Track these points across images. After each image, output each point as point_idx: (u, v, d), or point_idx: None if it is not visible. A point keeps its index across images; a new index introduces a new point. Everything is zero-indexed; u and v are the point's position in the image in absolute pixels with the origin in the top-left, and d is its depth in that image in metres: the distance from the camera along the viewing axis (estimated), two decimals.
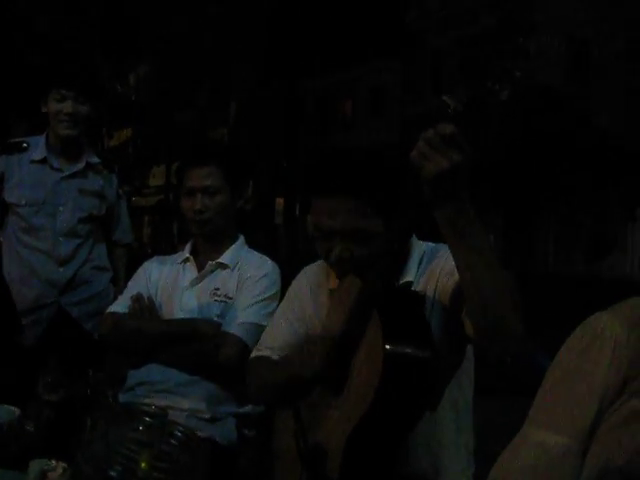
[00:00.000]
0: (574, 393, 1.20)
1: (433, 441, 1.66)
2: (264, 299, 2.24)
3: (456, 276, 1.56)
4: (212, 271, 2.35)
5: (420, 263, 1.68)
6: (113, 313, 2.34)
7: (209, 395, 2.19)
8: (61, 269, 3.06)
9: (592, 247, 19.40)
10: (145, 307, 2.30)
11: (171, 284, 2.36)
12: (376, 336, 1.42)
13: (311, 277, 1.89)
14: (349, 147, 2.42)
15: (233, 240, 2.40)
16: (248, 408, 2.22)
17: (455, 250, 1.36)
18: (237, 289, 2.29)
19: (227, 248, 2.37)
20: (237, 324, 2.19)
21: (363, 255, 1.61)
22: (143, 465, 1.19)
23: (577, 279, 14.60)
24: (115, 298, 2.62)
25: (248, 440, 2.22)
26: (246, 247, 2.42)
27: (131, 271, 2.55)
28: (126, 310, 2.31)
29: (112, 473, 1.19)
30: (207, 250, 2.37)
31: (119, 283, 3.22)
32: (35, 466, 1.45)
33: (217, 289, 2.31)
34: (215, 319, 2.25)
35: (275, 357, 1.82)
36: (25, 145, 3.10)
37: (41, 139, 3.11)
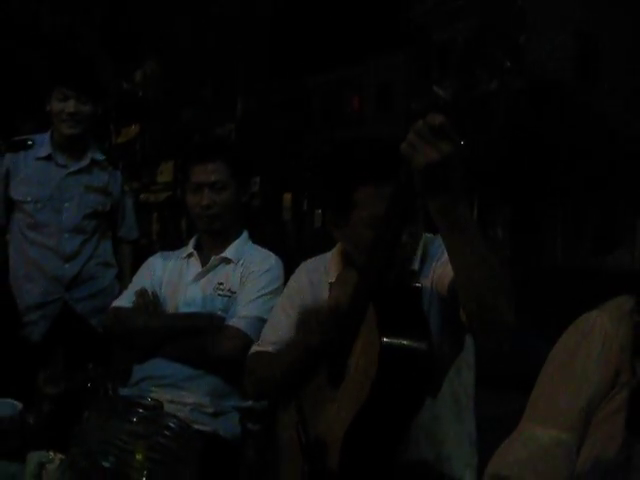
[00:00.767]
0: (567, 388, 1.23)
1: (434, 431, 1.67)
2: (267, 293, 2.25)
3: (450, 267, 1.59)
4: (216, 266, 2.35)
5: (423, 254, 1.69)
6: (117, 308, 2.35)
7: (213, 389, 2.20)
8: (66, 265, 3.07)
9: (599, 241, 19.34)
10: (149, 302, 2.31)
11: (175, 279, 2.37)
12: (372, 329, 1.42)
13: (311, 272, 1.90)
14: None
15: (237, 235, 2.41)
16: (252, 402, 2.22)
17: (447, 240, 1.36)
18: (240, 283, 2.30)
19: (231, 243, 2.38)
20: (240, 318, 2.20)
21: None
22: (138, 457, 1.20)
23: (585, 272, 14.57)
24: (120, 294, 2.63)
25: (252, 434, 2.23)
26: (250, 242, 2.43)
27: (138, 268, 2.56)
28: (130, 305, 2.32)
29: (106, 464, 1.20)
30: (211, 245, 2.39)
31: (124, 279, 3.23)
32: (33, 458, 1.46)
33: (221, 284, 2.32)
34: (219, 313, 2.26)
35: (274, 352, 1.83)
36: (30, 142, 3.12)
37: (46, 136, 3.12)
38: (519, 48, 1.18)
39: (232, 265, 2.34)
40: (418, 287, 1.54)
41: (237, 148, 2.51)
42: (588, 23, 18.98)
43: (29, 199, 3.04)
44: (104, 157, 3.22)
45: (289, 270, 2.32)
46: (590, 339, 1.24)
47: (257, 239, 2.47)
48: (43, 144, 3.10)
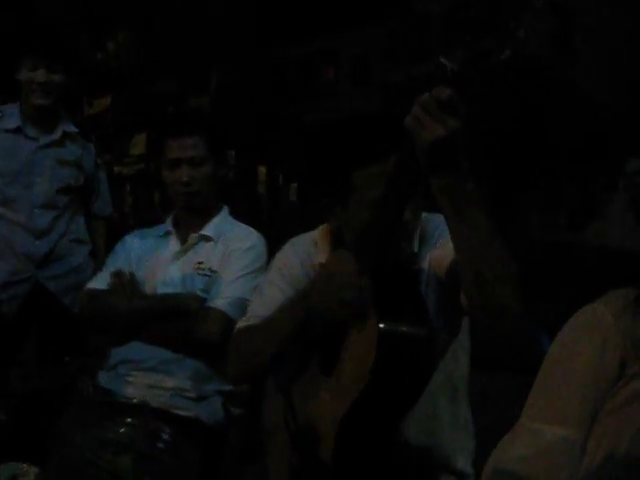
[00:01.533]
0: (569, 382, 1.18)
1: (429, 414, 1.60)
2: (250, 272, 2.16)
3: (450, 248, 1.51)
4: (195, 244, 2.26)
5: (421, 234, 1.61)
6: (92, 290, 2.25)
7: (194, 373, 2.11)
8: (37, 242, 2.96)
9: (575, 215, 19.43)
10: (126, 282, 2.21)
11: (152, 258, 2.27)
12: (369, 316, 1.34)
13: (300, 250, 1.78)
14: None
15: (217, 211, 2.31)
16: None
17: (451, 222, 1.29)
18: (222, 262, 2.20)
19: (210, 220, 2.28)
20: (222, 299, 2.11)
21: None
22: (125, 466, 1.12)
23: (561, 246, 14.68)
24: (94, 272, 2.54)
25: (235, 418, 2.15)
26: (230, 218, 2.34)
27: (112, 243, 2.46)
28: (106, 286, 2.22)
29: None
30: (190, 222, 2.28)
31: (98, 256, 3.14)
32: (6, 471, 1.38)
33: (201, 262, 2.22)
34: (199, 294, 2.16)
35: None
36: None
37: (15, 107, 2.99)
38: (536, 15, 1.08)
39: (212, 243, 2.25)
40: (416, 270, 1.46)
41: (214, 120, 2.38)
42: None
43: None
44: (76, 129, 3.10)
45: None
46: (592, 331, 1.19)
47: (231, 213, 2.37)
48: (12, 116, 2.98)
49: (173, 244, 2.28)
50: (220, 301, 2.10)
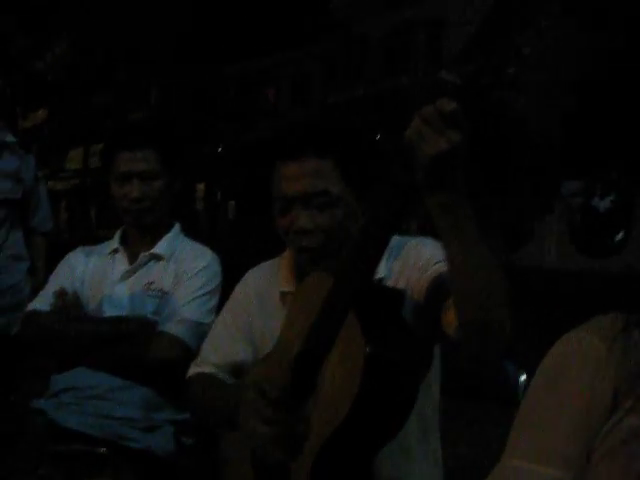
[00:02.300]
0: (556, 418, 1.08)
1: (398, 449, 1.51)
2: (204, 294, 2.05)
3: (429, 272, 1.45)
4: (145, 263, 2.14)
5: (388, 258, 1.53)
6: (33, 311, 2.09)
7: (144, 401, 1.98)
8: None
9: (510, 237, 19.80)
10: (70, 304, 2.07)
11: (99, 278, 2.14)
12: (353, 338, 1.25)
13: (257, 281, 1.71)
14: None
15: (168, 228, 2.20)
16: (187, 414, 2.02)
17: (448, 242, 1.23)
18: (174, 283, 2.08)
19: (161, 237, 2.16)
20: (175, 322, 1.99)
21: (327, 226, 1.48)
22: None
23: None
24: (32, 291, 2.38)
25: (186, 449, 2.03)
26: (182, 236, 2.23)
27: (49, 260, 2.32)
28: (48, 307, 2.07)
29: None
30: (139, 240, 2.16)
31: (37, 274, 2.99)
32: None
33: (151, 283, 2.10)
34: (149, 316, 2.04)
35: (219, 375, 1.65)
36: None
37: None
38: (540, 34, 1.04)
39: (163, 262, 2.13)
40: (401, 291, 1.38)
41: (168, 132, 2.26)
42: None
43: None
44: (15, 140, 2.94)
45: None
46: (580, 362, 1.10)
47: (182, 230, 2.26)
48: None
49: (121, 263, 2.16)
50: (174, 325, 1.98)
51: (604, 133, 15.44)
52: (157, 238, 2.16)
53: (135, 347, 1.98)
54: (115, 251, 2.18)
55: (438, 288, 1.38)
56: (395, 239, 1.56)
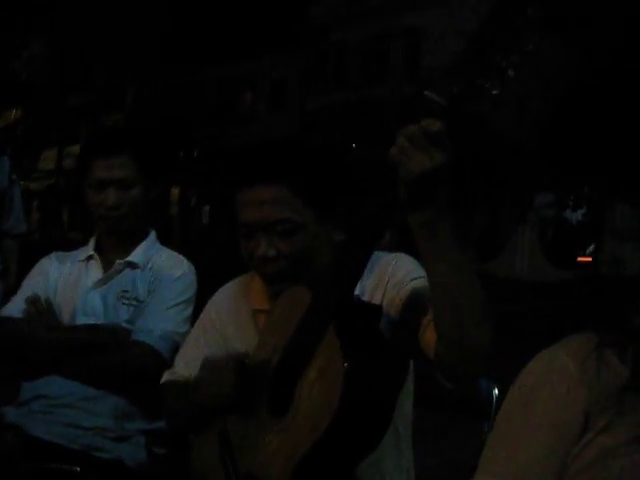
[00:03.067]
0: (530, 437, 1.09)
1: (372, 463, 1.52)
2: (180, 303, 2.04)
3: (405, 288, 1.45)
4: (120, 271, 2.11)
5: (363, 275, 1.53)
6: (5, 318, 2.06)
7: (116, 411, 1.96)
8: None
9: (484, 247, 19.93)
10: (42, 311, 2.04)
11: (73, 285, 2.12)
12: (332, 354, 1.25)
13: (229, 297, 1.71)
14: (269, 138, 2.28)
15: (144, 236, 2.18)
16: (159, 424, 2.00)
17: (430, 259, 1.24)
18: (149, 292, 2.07)
19: (137, 245, 2.15)
20: (149, 331, 1.97)
21: (290, 252, 1.47)
22: None
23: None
24: (4, 295, 2.35)
25: (158, 459, 2.01)
26: (158, 244, 2.21)
27: (21, 262, 2.29)
28: (20, 314, 2.04)
29: None
30: (114, 247, 2.14)
31: (9, 278, 2.94)
32: None
33: (126, 291, 2.08)
34: (123, 325, 2.02)
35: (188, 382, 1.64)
36: None
37: None
38: (525, 57, 1.05)
39: (138, 270, 2.11)
40: (378, 306, 1.38)
41: (146, 138, 2.24)
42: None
43: None
44: None
45: None
46: (552, 381, 1.11)
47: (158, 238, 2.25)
48: None
49: (95, 270, 2.13)
50: (148, 335, 1.97)
51: (577, 148, 15.64)
52: (133, 246, 2.14)
53: (108, 356, 1.96)
54: (89, 258, 2.16)
55: (415, 305, 1.39)
56: None
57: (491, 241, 19.74)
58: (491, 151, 17.27)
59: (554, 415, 1.08)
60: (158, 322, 1.99)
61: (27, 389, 2.01)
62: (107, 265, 2.13)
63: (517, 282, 16.86)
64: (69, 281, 2.13)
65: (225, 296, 1.72)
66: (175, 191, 27.84)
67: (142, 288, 2.08)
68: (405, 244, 1.36)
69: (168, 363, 1.80)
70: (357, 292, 1.51)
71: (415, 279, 1.42)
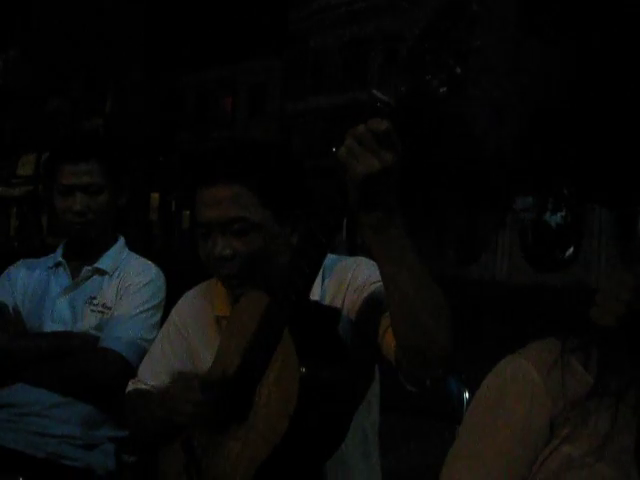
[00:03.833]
0: (494, 445, 1.09)
1: (340, 466, 1.52)
2: (148, 309, 2.03)
3: (366, 293, 1.45)
4: (88, 277, 2.10)
5: (323, 279, 1.53)
6: None
7: (84, 418, 1.95)
8: None
9: (463, 250, 20.01)
10: (9, 319, 2.03)
11: (40, 292, 2.10)
12: (288, 358, 1.25)
13: (193, 304, 1.70)
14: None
15: (112, 242, 2.17)
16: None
17: (381, 261, 1.22)
18: (117, 298, 2.06)
19: (105, 252, 2.13)
20: (117, 338, 1.96)
21: (246, 252, 1.46)
22: None
23: (448, 281, 15.04)
24: None
25: (128, 467, 2.00)
26: (127, 250, 2.19)
27: None
28: None
29: None
30: (83, 254, 2.13)
31: None
32: None
33: (94, 298, 2.07)
34: (92, 332, 2.01)
35: (154, 391, 1.63)
36: None
37: None
38: (472, 55, 1.05)
39: (107, 277, 2.10)
40: (336, 309, 1.38)
41: (112, 145, 2.23)
42: None
43: None
44: None
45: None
46: (516, 389, 1.10)
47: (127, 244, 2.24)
48: None
49: (63, 277, 2.12)
50: (116, 341, 1.95)
51: (556, 151, 15.75)
52: (101, 252, 2.13)
53: (76, 363, 1.95)
54: (58, 265, 2.14)
55: (374, 309, 1.38)
56: (330, 258, 1.54)
57: (470, 244, 19.83)
58: (471, 154, 17.35)
59: (518, 425, 1.08)
60: (126, 329, 1.97)
61: None
62: (75, 272, 2.12)
63: (496, 284, 16.96)
64: (37, 288, 2.12)
65: (189, 302, 1.71)
66: (155, 196, 27.73)
67: (110, 295, 2.07)
68: (356, 245, 1.36)
69: (135, 369, 1.79)
70: (318, 296, 1.50)
71: (375, 283, 1.41)
